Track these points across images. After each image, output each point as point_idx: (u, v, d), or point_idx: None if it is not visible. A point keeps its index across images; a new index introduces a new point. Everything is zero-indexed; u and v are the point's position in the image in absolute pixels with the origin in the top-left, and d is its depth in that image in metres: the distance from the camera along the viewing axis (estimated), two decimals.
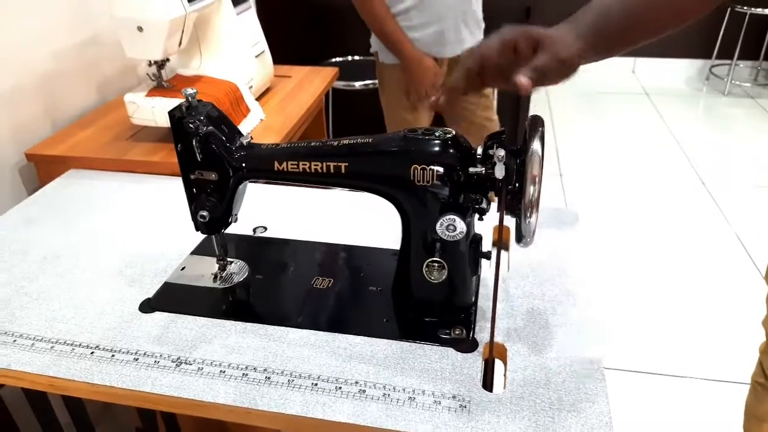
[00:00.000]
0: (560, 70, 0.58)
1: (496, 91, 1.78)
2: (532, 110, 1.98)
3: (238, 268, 0.79)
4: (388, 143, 0.61)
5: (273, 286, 0.76)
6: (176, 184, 0.99)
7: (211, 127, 0.64)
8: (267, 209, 0.91)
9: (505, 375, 0.61)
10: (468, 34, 1.54)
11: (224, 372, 0.62)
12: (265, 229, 0.87)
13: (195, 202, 0.68)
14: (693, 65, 3.79)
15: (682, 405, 1.48)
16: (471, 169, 0.57)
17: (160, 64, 1.10)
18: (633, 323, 1.73)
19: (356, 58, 2.50)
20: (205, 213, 0.67)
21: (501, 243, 0.58)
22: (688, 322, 1.75)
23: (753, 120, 3.23)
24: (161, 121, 1.09)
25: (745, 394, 0.96)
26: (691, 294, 1.87)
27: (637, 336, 1.69)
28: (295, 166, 0.64)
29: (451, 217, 0.59)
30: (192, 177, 0.66)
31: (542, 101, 3.41)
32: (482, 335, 0.66)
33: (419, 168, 0.59)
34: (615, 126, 3.13)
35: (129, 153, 1.08)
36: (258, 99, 1.31)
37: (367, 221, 0.88)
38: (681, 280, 1.94)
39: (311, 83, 1.45)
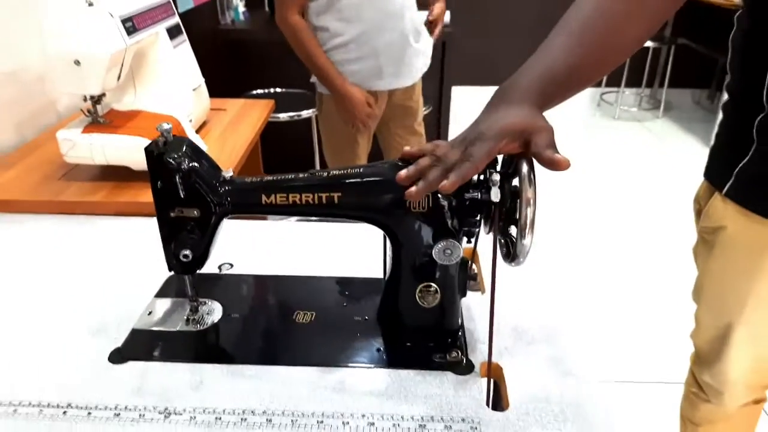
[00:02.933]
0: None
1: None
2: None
3: (210, 309, 0.75)
4: (382, 172, 0.62)
5: (252, 324, 0.73)
6: (123, 224, 0.94)
7: (194, 163, 0.61)
8: (230, 245, 0.88)
9: (506, 393, 0.62)
10: (406, 68, 1.58)
11: (220, 419, 0.58)
12: (231, 265, 0.84)
13: (175, 241, 0.64)
14: (586, 93, 4.13)
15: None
16: (467, 195, 0.59)
17: (96, 100, 1.04)
18: (609, 330, 1.84)
19: (278, 90, 2.49)
20: (187, 252, 0.63)
21: (495, 264, 0.60)
22: (664, 326, 1.88)
23: (639, 140, 3.57)
24: (99, 158, 1.02)
25: None
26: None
27: (620, 345, 1.79)
28: (285, 199, 0.62)
29: (451, 241, 0.60)
30: (172, 215, 0.63)
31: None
32: (474, 356, 0.67)
33: None
34: None
35: (65, 193, 1.00)
36: (197, 132, 1.27)
37: (337, 252, 0.87)
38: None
39: (248, 115, 1.42)
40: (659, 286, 2.12)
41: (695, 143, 3.49)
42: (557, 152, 0.55)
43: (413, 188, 0.56)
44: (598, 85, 4.04)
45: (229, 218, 0.67)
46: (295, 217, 0.96)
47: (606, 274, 2.22)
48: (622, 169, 3.13)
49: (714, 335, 1.02)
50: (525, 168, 0.57)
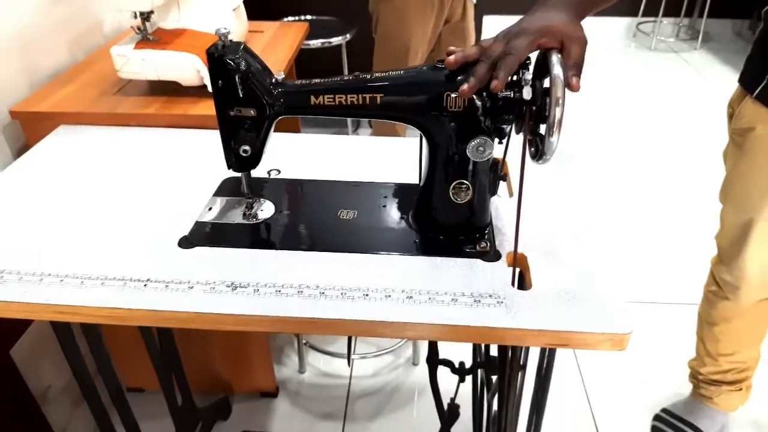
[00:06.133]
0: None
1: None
2: None
3: (263, 206, 0.83)
4: (422, 74, 0.67)
5: (300, 220, 0.81)
6: (175, 135, 1.02)
7: (250, 64, 0.67)
8: (276, 154, 0.95)
9: (529, 278, 0.70)
10: None
11: (280, 291, 0.67)
12: (279, 171, 0.91)
13: (234, 138, 0.71)
14: (622, 22, 4.00)
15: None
16: (500, 94, 0.64)
17: (146, 17, 1.09)
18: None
19: (308, 17, 2.49)
20: (247, 147, 0.71)
21: (525, 158, 0.66)
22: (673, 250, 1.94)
23: (676, 72, 3.48)
24: (150, 74, 1.08)
25: None
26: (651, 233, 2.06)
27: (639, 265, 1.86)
28: (332, 100, 0.69)
29: (484, 139, 0.66)
30: (231, 114, 0.70)
31: None
32: (502, 248, 0.74)
33: (452, 95, 0.65)
34: None
35: (120, 107, 1.07)
36: None
37: (375, 162, 0.94)
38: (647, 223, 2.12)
39: (284, 37, 1.46)
40: (685, 215, 2.15)
41: (734, 76, 3.36)
42: (577, 75, 0.62)
43: (464, 86, 0.63)
44: (635, 14, 3.90)
45: (279, 120, 0.73)
46: (334, 132, 1.02)
47: (636, 199, 2.25)
48: (656, 101, 3.08)
49: (736, 234, 1.11)
50: (556, 69, 0.62)
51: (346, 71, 2.45)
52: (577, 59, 0.63)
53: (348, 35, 2.30)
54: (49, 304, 0.66)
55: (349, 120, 2.71)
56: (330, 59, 2.42)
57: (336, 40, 2.27)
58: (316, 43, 2.23)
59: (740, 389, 1.32)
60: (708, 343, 1.29)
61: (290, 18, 2.48)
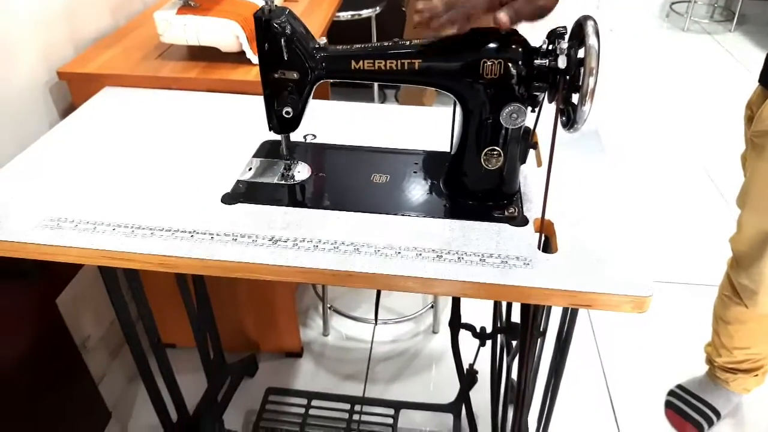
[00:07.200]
0: (537, 13, 0.66)
1: None
2: None
3: (300, 168, 0.86)
4: (458, 41, 0.69)
5: (336, 181, 0.85)
6: (215, 100, 1.06)
7: (297, 28, 0.70)
8: (311, 120, 0.98)
9: (555, 243, 0.73)
10: None
11: (317, 246, 0.71)
12: (315, 136, 0.95)
13: (278, 99, 0.74)
14: (655, 2, 3.93)
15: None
16: (535, 62, 0.67)
17: None
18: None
19: None
20: (289, 109, 0.74)
21: (556, 127, 0.68)
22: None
23: (709, 53, 3.41)
24: (192, 39, 1.12)
25: None
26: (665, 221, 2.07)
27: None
28: (371, 65, 0.71)
29: (517, 105, 0.68)
30: (275, 76, 0.73)
31: None
32: (529, 214, 0.77)
33: (488, 62, 0.68)
34: None
35: (162, 70, 1.11)
36: None
37: (408, 130, 0.97)
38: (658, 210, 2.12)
39: (319, 8, 1.48)
40: (710, 197, 2.14)
41: None
42: (512, 15, 0.65)
43: (502, 16, 0.65)
44: None
45: (319, 84, 0.76)
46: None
47: (662, 179, 2.25)
48: (688, 83, 3.04)
49: (757, 240, 1.08)
50: (591, 39, 0.64)
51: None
52: (518, 6, 0.65)
53: (378, 8, 2.30)
54: (103, 250, 0.71)
55: (376, 91, 2.73)
56: (359, 31, 2.44)
57: (366, 13, 2.28)
58: (346, 15, 2.25)
59: (756, 375, 1.33)
60: (723, 338, 1.30)
61: None
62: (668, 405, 1.44)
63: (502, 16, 0.64)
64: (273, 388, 1.41)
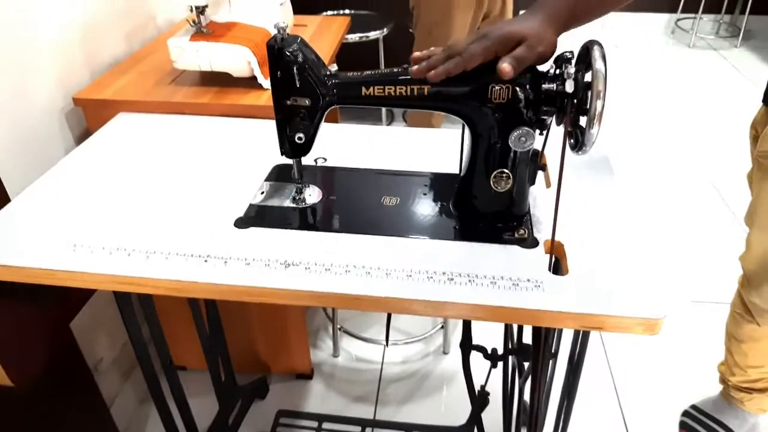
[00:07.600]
0: (538, 60, 0.68)
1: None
2: None
3: (311, 191, 0.88)
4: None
5: (346, 205, 0.86)
6: (227, 124, 1.08)
7: (309, 56, 0.72)
8: (322, 143, 1.00)
9: (566, 265, 0.73)
10: None
11: (329, 270, 0.71)
12: (325, 159, 0.96)
13: (290, 124, 0.76)
14: (660, 19, 3.95)
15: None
16: (543, 86, 0.68)
17: (201, 11, 1.15)
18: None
19: (346, 12, 2.54)
20: (301, 135, 0.75)
21: (564, 150, 0.69)
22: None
23: (715, 70, 3.42)
24: (204, 65, 1.14)
25: None
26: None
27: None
28: (381, 91, 0.73)
29: (526, 129, 0.69)
30: (288, 102, 0.74)
31: None
32: (539, 235, 0.78)
33: (496, 87, 0.69)
34: None
35: (176, 96, 1.13)
36: None
37: (418, 152, 0.98)
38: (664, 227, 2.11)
39: (327, 30, 1.51)
40: (720, 215, 2.13)
41: None
42: (511, 64, 0.66)
43: (505, 66, 0.66)
44: (674, 10, 3.84)
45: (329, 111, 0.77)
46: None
47: (670, 198, 2.24)
48: (694, 99, 3.04)
49: (765, 257, 1.08)
50: (598, 63, 0.65)
51: (382, 65, 2.49)
52: (520, 55, 0.66)
53: (385, 30, 2.34)
54: (117, 276, 0.72)
55: (383, 111, 2.76)
56: (367, 53, 2.47)
57: (374, 35, 2.32)
58: (354, 37, 2.28)
59: None
60: (737, 356, 1.28)
61: (330, 12, 2.53)
62: (682, 426, 1.42)
63: (505, 66, 0.66)
64: (284, 411, 1.40)
